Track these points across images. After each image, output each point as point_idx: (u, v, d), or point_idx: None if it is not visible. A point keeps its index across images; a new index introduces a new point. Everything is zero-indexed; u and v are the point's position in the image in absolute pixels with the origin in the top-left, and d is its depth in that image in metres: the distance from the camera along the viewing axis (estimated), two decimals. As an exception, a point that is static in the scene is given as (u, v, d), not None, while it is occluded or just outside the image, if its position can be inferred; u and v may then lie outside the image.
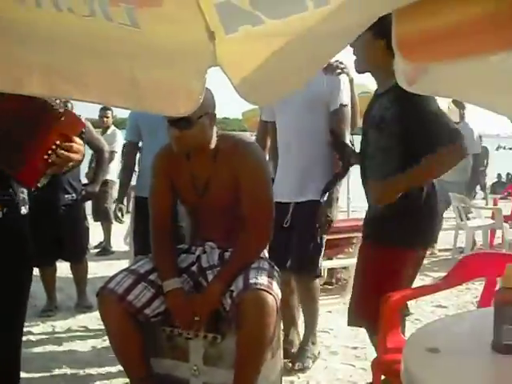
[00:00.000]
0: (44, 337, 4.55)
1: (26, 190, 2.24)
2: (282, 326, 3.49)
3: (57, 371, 3.87)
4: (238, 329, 2.63)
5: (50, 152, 2.05)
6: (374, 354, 2.83)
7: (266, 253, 3.04)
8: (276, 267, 2.93)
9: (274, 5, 1.75)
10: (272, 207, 2.93)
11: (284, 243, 3.78)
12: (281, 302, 2.65)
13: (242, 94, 1.81)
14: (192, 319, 2.72)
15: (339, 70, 3.71)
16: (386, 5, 1.66)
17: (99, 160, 5.16)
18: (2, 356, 2.18)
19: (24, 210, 2.22)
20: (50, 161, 2.05)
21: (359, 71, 2.93)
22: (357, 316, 2.98)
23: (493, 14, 1.69)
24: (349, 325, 3.10)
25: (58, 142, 2.05)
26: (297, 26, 1.73)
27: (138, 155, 4.67)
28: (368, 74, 2.97)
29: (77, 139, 2.09)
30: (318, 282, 3.95)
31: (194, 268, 2.94)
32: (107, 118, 7.86)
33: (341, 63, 3.74)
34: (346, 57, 3.46)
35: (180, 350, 2.84)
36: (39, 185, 2.10)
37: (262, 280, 2.65)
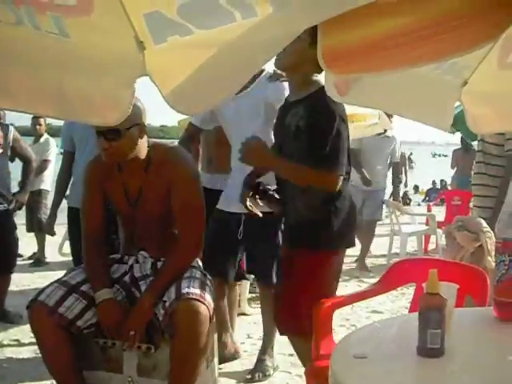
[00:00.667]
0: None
1: None
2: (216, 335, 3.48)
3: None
4: (172, 339, 2.62)
5: None
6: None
7: (199, 261, 3.03)
8: (208, 276, 2.93)
9: (202, 15, 1.76)
10: (203, 216, 2.91)
11: (231, 252, 3.82)
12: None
13: (171, 104, 1.81)
14: (125, 331, 2.68)
15: (284, 78, 3.71)
16: (313, 17, 1.69)
17: (26, 170, 5.50)
18: None
19: None
20: None
21: (279, 67, 2.88)
22: (289, 326, 2.98)
23: (424, 25, 1.74)
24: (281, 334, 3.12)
25: None
26: (225, 36, 1.75)
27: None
28: None
29: None
30: None
31: (126, 278, 2.91)
32: (40, 125, 7.65)
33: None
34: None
35: (114, 362, 2.81)
36: None
37: (195, 289, 2.65)
